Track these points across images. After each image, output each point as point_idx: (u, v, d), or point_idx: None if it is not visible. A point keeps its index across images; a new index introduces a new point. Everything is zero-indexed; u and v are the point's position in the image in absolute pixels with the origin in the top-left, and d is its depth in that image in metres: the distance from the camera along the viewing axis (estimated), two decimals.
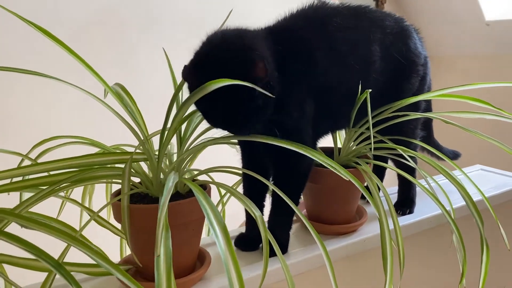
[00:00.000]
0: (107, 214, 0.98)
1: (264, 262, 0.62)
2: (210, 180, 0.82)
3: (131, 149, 0.84)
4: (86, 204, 0.95)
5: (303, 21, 0.84)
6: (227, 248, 0.52)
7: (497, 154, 1.53)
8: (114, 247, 0.98)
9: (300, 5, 0.86)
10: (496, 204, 1.16)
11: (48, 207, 0.75)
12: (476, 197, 0.87)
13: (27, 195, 0.67)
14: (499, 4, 2.16)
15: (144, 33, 1.88)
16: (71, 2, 1.70)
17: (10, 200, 0.81)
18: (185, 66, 0.70)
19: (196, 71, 0.69)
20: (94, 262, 0.68)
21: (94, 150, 0.87)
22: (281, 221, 0.81)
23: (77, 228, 0.65)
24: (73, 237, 0.54)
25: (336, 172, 0.70)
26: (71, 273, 0.51)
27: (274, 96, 0.66)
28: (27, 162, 0.83)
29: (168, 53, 1.82)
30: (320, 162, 0.70)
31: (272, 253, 0.64)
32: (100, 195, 0.97)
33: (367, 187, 0.82)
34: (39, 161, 0.82)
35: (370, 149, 0.93)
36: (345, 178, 0.72)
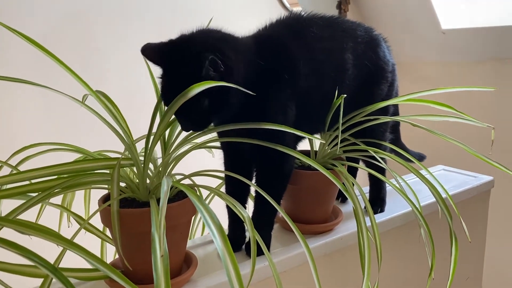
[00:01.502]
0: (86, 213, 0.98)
1: (252, 261, 0.65)
2: (192, 183, 0.84)
3: (113, 155, 0.85)
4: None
5: (284, 29, 0.88)
6: (224, 246, 0.54)
7: (458, 155, 1.63)
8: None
9: (278, 16, 0.90)
10: (458, 201, 1.24)
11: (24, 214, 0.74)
12: (435, 196, 0.94)
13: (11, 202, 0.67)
14: (455, 14, 2.29)
15: (112, 36, 1.86)
16: (35, 5, 1.67)
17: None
18: (148, 44, 0.75)
19: (159, 57, 0.74)
20: (83, 267, 0.70)
21: (73, 156, 0.87)
22: (265, 221, 0.84)
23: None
24: (70, 241, 0.55)
25: (322, 173, 0.75)
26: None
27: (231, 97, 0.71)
28: (6, 169, 0.82)
29: (137, 56, 1.77)
30: (307, 163, 0.74)
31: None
32: (76, 200, 0.96)
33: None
34: (20, 168, 0.82)
35: (344, 151, 0.98)
36: (323, 179, 0.76)
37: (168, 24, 1.98)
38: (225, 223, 1.01)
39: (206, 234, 1.12)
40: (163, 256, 0.51)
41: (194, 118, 0.73)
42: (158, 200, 0.67)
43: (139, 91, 1.82)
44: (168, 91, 0.72)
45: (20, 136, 1.66)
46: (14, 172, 0.79)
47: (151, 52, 0.74)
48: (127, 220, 0.67)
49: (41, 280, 0.60)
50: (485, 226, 1.39)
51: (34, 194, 0.65)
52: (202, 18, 2.23)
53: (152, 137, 0.73)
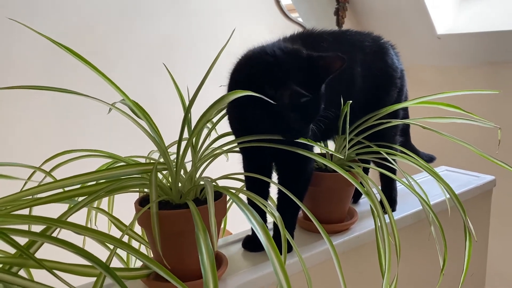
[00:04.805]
0: (108, 226, 1.01)
1: (283, 257, 0.69)
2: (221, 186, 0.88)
3: (143, 160, 0.89)
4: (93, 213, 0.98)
5: (299, 42, 0.93)
6: (268, 242, 0.58)
7: (458, 156, 1.69)
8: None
9: (291, 32, 0.95)
10: (462, 201, 1.29)
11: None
12: (445, 195, 1.00)
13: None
14: (449, 19, 2.36)
15: (121, 48, 1.90)
16: (46, 20, 1.71)
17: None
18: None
19: None
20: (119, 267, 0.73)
21: (102, 162, 0.91)
22: (289, 221, 0.88)
23: None
24: (121, 241, 0.59)
25: (340, 174, 0.80)
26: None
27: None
28: (40, 174, 0.85)
29: (145, 69, 1.83)
30: (324, 166, 0.78)
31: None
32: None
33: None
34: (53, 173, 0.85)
35: (357, 154, 1.03)
36: (341, 180, 0.81)
37: (173, 30, 2.03)
38: (236, 223, 1.05)
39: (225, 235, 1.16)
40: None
41: None
42: (194, 201, 0.71)
43: (148, 99, 1.86)
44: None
45: (39, 142, 1.69)
46: (51, 180, 0.83)
47: None
48: (165, 221, 0.70)
49: (86, 278, 0.64)
50: (488, 224, 1.45)
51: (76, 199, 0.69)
52: (205, 24, 2.28)
53: (183, 143, 0.77)
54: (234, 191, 0.82)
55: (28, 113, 1.70)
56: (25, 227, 0.60)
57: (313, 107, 0.79)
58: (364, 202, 1.21)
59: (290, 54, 0.80)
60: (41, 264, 0.52)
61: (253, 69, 0.80)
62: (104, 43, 1.85)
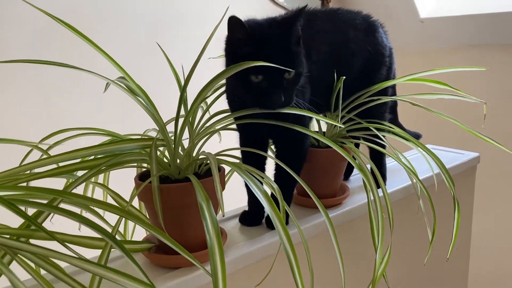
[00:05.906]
0: (103, 197, 1.01)
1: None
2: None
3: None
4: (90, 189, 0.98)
5: None
6: (270, 207, 0.61)
7: (444, 135, 1.73)
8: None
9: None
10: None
11: None
12: (432, 171, 1.04)
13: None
14: (432, 2, 2.40)
15: (110, 28, 1.88)
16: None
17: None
18: None
19: None
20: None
21: (99, 141, 0.91)
22: (287, 194, 0.91)
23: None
24: (126, 211, 0.60)
25: (333, 150, 0.82)
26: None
27: None
28: (36, 153, 0.85)
29: (131, 49, 1.81)
30: (317, 143, 0.80)
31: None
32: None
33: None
34: (50, 152, 0.85)
35: (347, 131, 1.06)
36: (335, 155, 0.83)
37: (161, 16, 2.01)
38: (237, 199, 1.07)
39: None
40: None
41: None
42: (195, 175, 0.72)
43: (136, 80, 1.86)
44: None
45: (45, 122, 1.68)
46: (45, 156, 0.83)
47: None
48: (166, 194, 0.71)
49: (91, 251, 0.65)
50: (472, 200, 1.50)
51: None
52: (193, 12, 2.26)
53: (180, 120, 0.78)
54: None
55: (19, 94, 1.67)
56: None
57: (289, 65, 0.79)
58: (355, 179, 1.24)
59: (264, 20, 0.86)
60: (52, 235, 0.52)
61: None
62: (92, 23, 1.82)
